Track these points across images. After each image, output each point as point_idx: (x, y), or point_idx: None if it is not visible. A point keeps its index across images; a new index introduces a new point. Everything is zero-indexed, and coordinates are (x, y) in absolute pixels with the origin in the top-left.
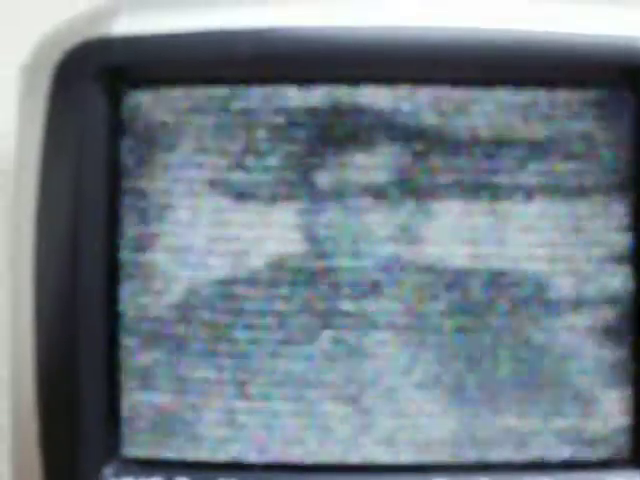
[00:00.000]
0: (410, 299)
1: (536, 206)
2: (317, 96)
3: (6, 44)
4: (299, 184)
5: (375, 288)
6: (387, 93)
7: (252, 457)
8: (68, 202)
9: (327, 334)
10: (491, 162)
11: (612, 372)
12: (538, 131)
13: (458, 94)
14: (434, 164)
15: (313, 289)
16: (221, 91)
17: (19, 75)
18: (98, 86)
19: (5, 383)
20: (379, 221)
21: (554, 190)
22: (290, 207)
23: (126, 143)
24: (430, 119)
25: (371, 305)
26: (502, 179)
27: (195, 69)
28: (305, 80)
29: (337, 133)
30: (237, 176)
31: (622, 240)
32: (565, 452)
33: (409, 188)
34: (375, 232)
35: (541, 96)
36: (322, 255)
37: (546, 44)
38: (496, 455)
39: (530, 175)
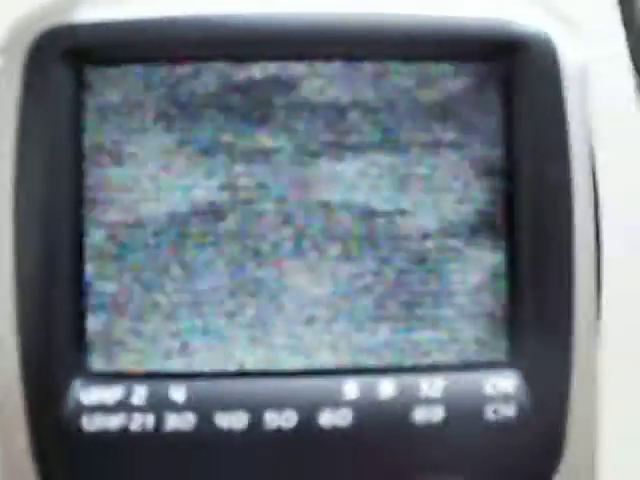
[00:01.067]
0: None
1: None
2: (244, 72)
3: None
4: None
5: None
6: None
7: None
8: (42, 167)
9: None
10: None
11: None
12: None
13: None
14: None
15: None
16: (169, 69)
17: None
18: (65, 67)
19: None
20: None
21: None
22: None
23: (89, 114)
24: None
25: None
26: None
27: (146, 51)
28: (233, 59)
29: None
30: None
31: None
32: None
33: (299, 150)
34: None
35: (424, 69)
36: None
37: (429, 25)
38: (389, 360)
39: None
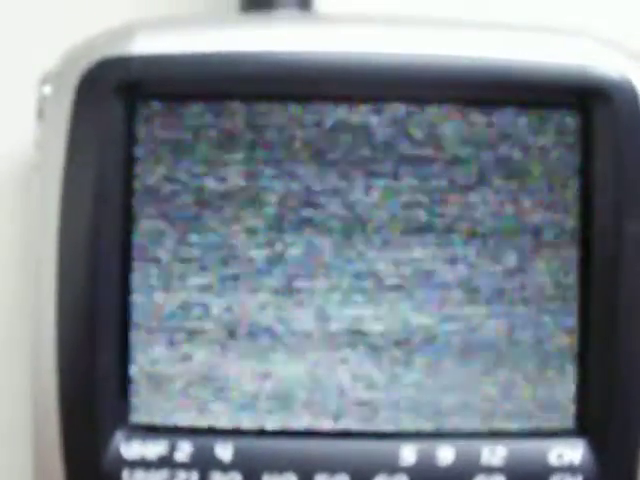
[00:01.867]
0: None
1: None
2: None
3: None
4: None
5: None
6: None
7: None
8: (90, 201)
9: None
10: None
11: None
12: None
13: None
14: None
15: None
16: (228, 106)
17: (38, 86)
18: (117, 99)
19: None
20: None
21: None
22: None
23: (140, 149)
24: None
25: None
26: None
27: (204, 86)
28: (303, 98)
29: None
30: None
31: None
32: (515, 422)
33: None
34: None
35: (500, 116)
36: None
37: (506, 69)
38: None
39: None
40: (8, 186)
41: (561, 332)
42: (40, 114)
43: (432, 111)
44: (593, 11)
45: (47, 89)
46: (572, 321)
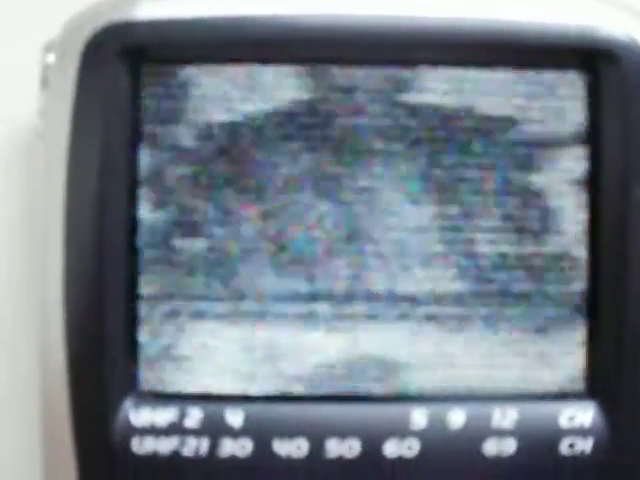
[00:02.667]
0: None
1: None
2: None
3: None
4: None
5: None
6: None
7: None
8: (96, 162)
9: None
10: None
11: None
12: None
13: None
14: None
15: None
16: (231, 70)
17: (42, 55)
18: (122, 64)
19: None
20: None
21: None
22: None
23: (145, 111)
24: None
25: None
26: None
27: (208, 51)
28: (309, 62)
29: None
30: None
31: None
32: (526, 385)
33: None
34: None
35: (509, 76)
36: None
37: (513, 30)
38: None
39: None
40: (12, 154)
41: (571, 296)
42: (44, 82)
43: (438, 73)
44: None
45: (51, 57)
46: (581, 285)
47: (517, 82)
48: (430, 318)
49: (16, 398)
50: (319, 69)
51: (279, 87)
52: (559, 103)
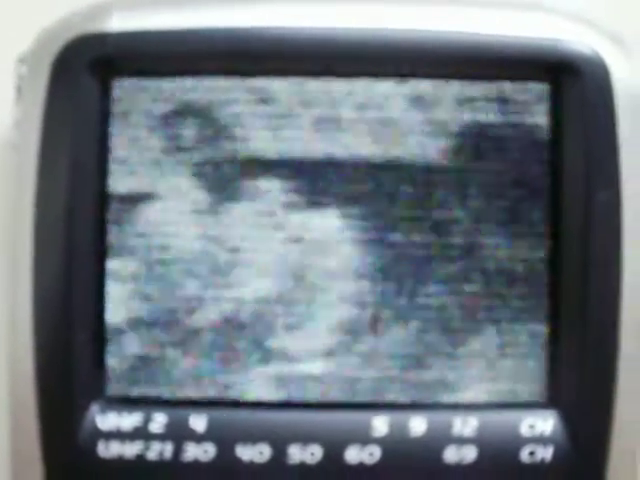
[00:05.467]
0: None
1: None
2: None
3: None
4: None
5: None
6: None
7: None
8: (65, 169)
9: None
10: None
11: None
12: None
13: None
14: None
15: None
16: (200, 83)
17: (16, 66)
18: (92, 77)
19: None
20: None
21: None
22: None
23: (114, 124)
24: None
25: None
26: None
27: (179, 63)
28: (279, 74)
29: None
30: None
31: None
32: (487, 394)
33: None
34: None
35: (474, 89)
36: None
37: (479, 44)
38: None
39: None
40: None
41: (533, 304)
42: (18, 94)
43: (401, 86)
44: None
45: (24, 69)
46: (543, 292)
47: (481, 93)
48: (387, 330)
49: None
50: (291, 81)
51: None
52: (523, 113)
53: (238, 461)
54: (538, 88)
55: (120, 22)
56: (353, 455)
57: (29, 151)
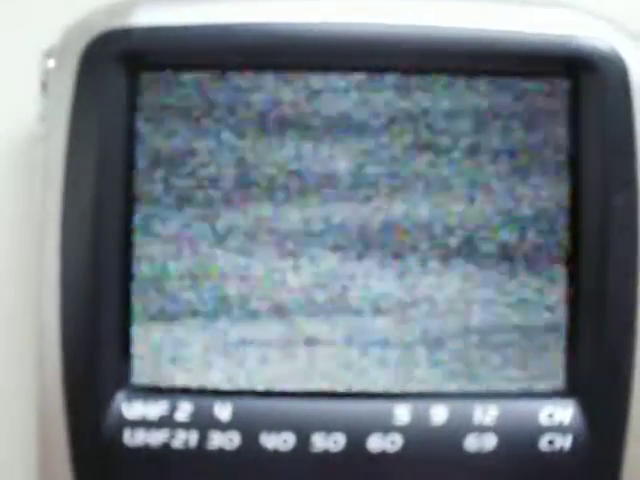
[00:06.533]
0: None
1: None
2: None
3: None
4: None
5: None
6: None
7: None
8: (93, 172)
9: None
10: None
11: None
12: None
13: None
14: None
15: None
16: (225, 77)
17: (41, 61)
18: (119, 71)
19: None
20: None
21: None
22: None
23: (141, 117)
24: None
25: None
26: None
27: (203, 57)
28: (302, 69)
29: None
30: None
31: None
32: (507, 383)
33: None
34: None
35: (493, 86)
36: None
37: (497, 40)
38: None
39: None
40: (11, 161)
41: (552, 297)
42: (44, 88)
43: (420, 82)
44: None
45: (50, 63)
46: (562, 287)
47: (500, 90)
48: (409, 319)
49: (11, 394)
50: (315, 76)
51: (278, 93)
52: (541, 110)
53: (262, 449)
54: (556, 84)
55: (147, 17)
56: (375, 443)
57: (57, 144)
